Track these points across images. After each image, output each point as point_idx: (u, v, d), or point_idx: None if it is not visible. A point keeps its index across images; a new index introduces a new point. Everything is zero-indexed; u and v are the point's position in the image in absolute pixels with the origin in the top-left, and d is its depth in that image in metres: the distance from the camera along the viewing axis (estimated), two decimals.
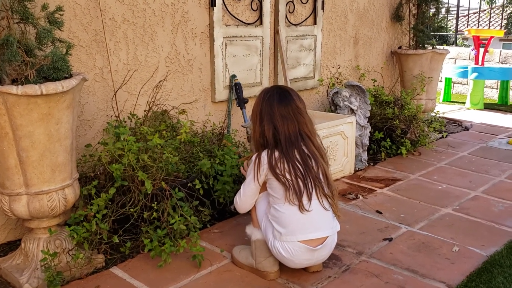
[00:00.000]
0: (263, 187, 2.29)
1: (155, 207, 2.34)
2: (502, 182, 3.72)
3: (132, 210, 2.32)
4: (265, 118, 2.21)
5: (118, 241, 2.32)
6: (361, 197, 3.34)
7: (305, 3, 4.05)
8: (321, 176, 2.20)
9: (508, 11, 15.44)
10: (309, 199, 2.14)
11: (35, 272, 2.18)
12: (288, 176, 2.14)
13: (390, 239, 2.70)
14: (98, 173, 2.51)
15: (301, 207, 2.12)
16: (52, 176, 2.17)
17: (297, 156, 2.17)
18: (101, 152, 2.47)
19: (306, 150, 2.20)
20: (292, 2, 3.93)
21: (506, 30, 14.13)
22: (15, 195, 2.14)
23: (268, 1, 3.71)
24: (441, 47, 8.67)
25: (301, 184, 2.13)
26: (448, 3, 8.94)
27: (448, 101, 7.50)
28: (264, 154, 2.19)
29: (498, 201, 3.33)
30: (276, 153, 2.16)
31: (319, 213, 2.16)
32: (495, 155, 4.44)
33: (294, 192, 2.13)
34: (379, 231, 2.81)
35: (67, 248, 2.30)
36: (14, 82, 2.13)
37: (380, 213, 3.08)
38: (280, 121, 2.18)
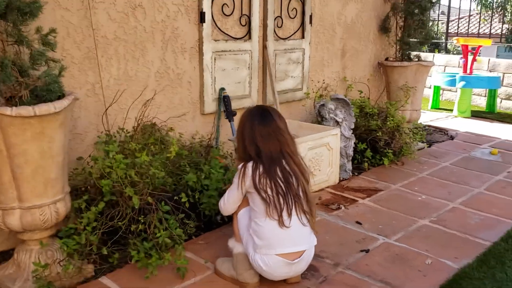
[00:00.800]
0: (247, 202, 2.42)
1: (142, 220, 2.46)
2: (481, 194, 3.86)
3: (120, 223, 2.44)
4: (247, 138, 2.34)
5: (107, 253, 2.44)
6: (343, 208, 3.47)
7: (293, 18, 4.17)
8: (301, 193, 2.33)
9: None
10: (289, 215, 2.28)
11: (27, 283, 2.30)
12: (269, 191, 2.27)
13: (367, 251, 2.83)
14: (88, 186, 2.63)
15: (280, 223, 2.25)
16: (45, 191, 2.28)
17: (279, 174, 2.30)
18: (91, 167, 2.58)
19: (287, 168, 2.33)
20: (281, 17, 4.06)
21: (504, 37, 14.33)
22: (8, 209, 2.26)
23: (256, 17, 3.83)
24: (432, 54, 8.85)
25: (281, 200, 2.27)
26: (439, 6, 9.14)
27: (436, 108, 7.65)
28: (250, 166, 2.32)
29: (475, 213, 3.47)
30: (261, 168, 2.30)
31: (297, 228, 2.30)
32: (477, 165, 4.58)
33: (274, 207, 2.26)
34: (357, 242, 2.95)
35: (58, 259, 2.42)
36: (8, 99, 2.24)
37: (360, 224, 3.21)
38: (262, 141, 2.31)
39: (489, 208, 3.54)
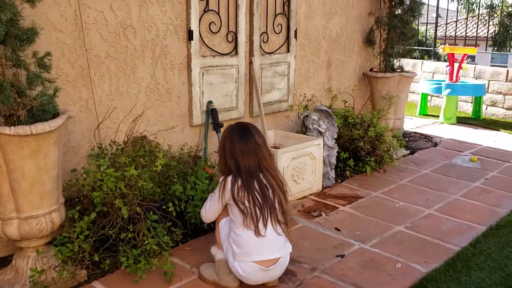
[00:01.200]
0: (227, 212, 2.62)
1: (131, 229, 2.65)
2: (457, 200, 4.06)
3: (110, 232, 2.64)
4: (228, 153, 2.54)
5: (98, 259, 2.64)
6: (324, 215, 3.67)
7: (279, 33, 4.38)
8: (276, 205, 2.54)
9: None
10: (265, 225, 2.48)
11: (24, 287, 2.50)
12: (247, 203, 2.47)
13: (342, 256, 3.03)
14: (81, 197, 2.82)
15: (257, 232, 2.45)
16: (41, 202, 2.48)
17: (256, 187, 2.50)
18: (84, 179, 2.78)
19: (264, 181, 2.53)
20: (266, 32, 4.26)
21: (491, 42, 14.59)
22: (7, 219, 2.45)
23: (243, 33, 4.03)
24: (421, 61, 9.07)
25: (258, 212, 2.47)
26: (428, 13, 9.37)
27: (424, 115, 7.86)
28: (229, 180, 2.52)
29: (449, 219, 3.67)
30: (239, 182, 2.50)
31: (272, 237, 2.50)
32: (456, 172, 4.78)
33: (251, 218, 2.46)
34: (334, 248, 3.14)
35: (54, 265, 2.62)
36: (7, 118, 2.44)
37: (339, 230, 3.41)
38: (241, 156, 2.51)
39: (463, 214, 3.74)
